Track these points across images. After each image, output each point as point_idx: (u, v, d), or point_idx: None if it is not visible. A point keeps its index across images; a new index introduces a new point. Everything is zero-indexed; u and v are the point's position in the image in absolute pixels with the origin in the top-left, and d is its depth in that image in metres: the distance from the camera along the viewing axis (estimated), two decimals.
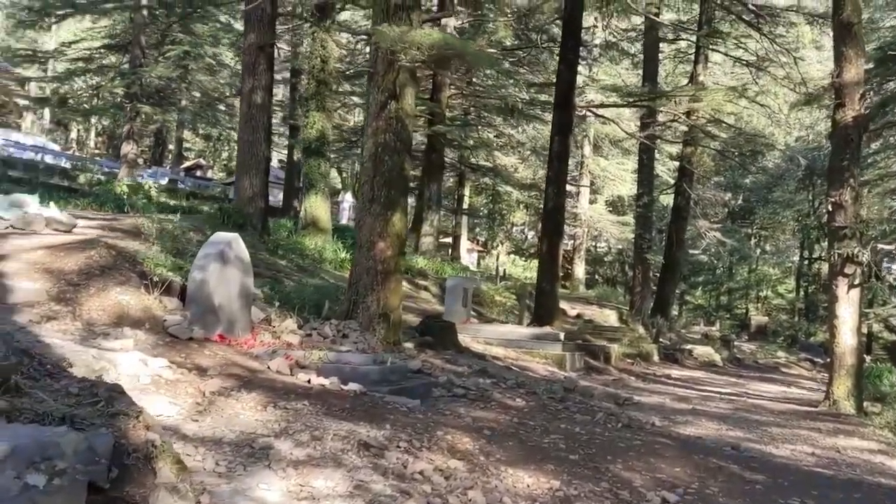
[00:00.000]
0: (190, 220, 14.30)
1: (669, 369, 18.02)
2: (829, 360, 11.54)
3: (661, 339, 23.11)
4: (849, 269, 10.97)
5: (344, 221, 44.26)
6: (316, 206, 19.95)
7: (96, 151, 59.28)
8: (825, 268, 51.65)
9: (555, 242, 18.53)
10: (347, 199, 51.67)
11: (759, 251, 52.49)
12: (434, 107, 25.79)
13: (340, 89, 25.08)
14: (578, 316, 25.94)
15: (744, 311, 49.81)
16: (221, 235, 7.29)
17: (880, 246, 10.88)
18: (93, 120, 55.73)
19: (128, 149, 32.75)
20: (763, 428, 9.19)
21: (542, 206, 20.92)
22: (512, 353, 12.99)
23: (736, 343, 29.65)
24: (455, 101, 34.42)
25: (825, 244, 43.38)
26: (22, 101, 45.73)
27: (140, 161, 60.04)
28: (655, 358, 19.65)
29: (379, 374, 6.65)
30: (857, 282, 10.93)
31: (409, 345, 10.52)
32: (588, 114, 25.39)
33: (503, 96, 28.28)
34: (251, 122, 16.18)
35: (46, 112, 56.14)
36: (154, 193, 25.07)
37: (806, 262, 48.61)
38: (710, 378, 16.67)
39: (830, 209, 11.08)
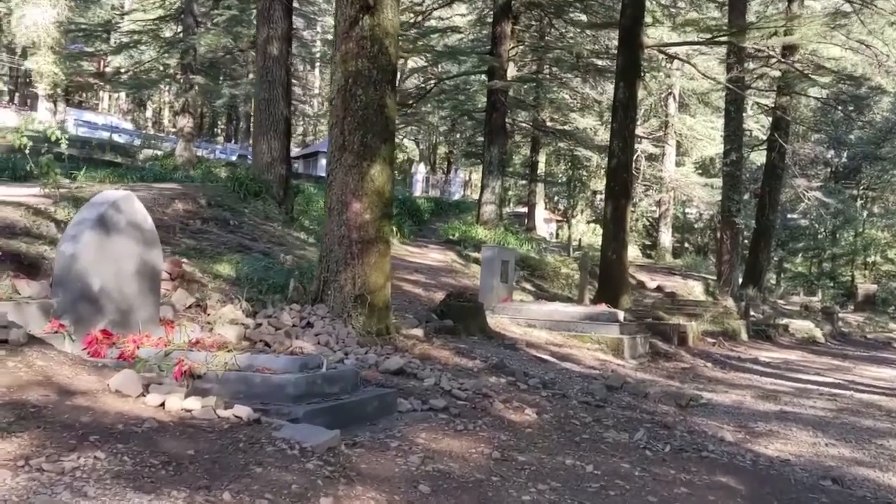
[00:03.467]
0: (191, 187, 12.60)
1: (759, 350, 15.39)
2: None
3: (751, 314, 20.30)
4: None
5: (417, 194, 42.69)
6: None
7: (172, 130, 59.40)
8: None
9: (621, 205, 16.07)
10: (421, 171, 50.00)
11: (865, 213, 47.97)
12: (493, 61, 23.46)
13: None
14: (659, 288, 23.36)
15: (849, 278, 45.63)
16: (106, 195, 5.37)
17: None
18: (166, 97, 55.74)
19: (183, 123, 31.72)
20: (879, 441, 6.73)
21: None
22: (557, 337, 10.77)
23: (840, 315, 26.35)
24: (524, 58, 32.01)
25: None
26: (93, 81, 45.78)
27: (221, 137, 59.98)
28: (743, 336, 17.01)
29: (304, 385, 4.61)
30: None
31: (416, 331, 8.46)
32: (658, 55, 22.46)
33: (570, 47, 25.70)
34: (267, 78, 14.35)
35: (122, 92, 56.39)
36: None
37: None
38: (807, 361, 13.98)
39: None
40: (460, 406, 5.68)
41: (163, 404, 3.91)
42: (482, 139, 27.70)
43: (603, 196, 50.15)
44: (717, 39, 16.78)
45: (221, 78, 38.18)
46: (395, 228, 18.84)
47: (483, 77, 26.51)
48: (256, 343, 6.13)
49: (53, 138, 7.33)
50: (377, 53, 6.88)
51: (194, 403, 3.98)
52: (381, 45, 6.88)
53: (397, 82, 35.93)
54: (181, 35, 31.30)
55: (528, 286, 17.40)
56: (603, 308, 12.13)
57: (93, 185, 10.23)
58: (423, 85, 29.93)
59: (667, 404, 7.52)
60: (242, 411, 4.02)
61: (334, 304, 6.92)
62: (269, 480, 3.19)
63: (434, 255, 17.33)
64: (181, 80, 31.45)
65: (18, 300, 4.89)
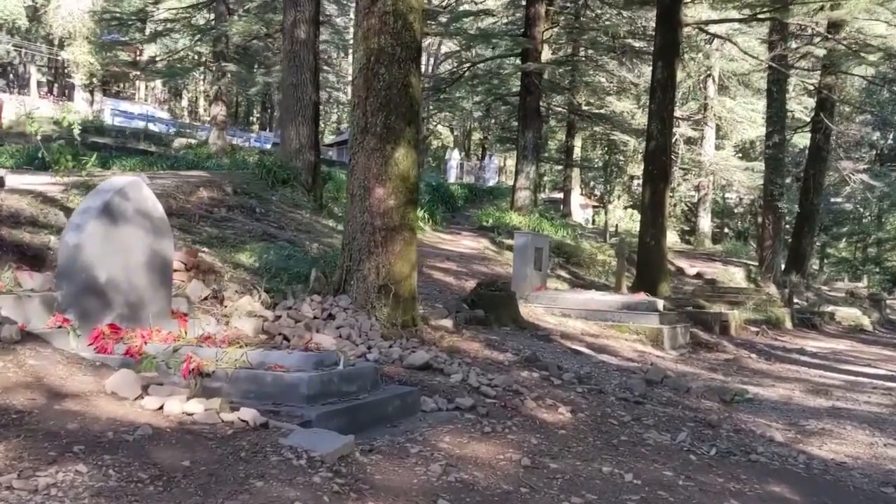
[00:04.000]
0: (217, 175, 12.37)
1: (804, 339, 14.78)
2: None
3: (795, 301, 19.62)
4: None
5: (452, 180, 42.35)
6: None
7: (207, 119, 59.72)
8: None
9: (660, 189, 15.53)
10: (455, 157, 49.60)
11: None
12: (526, 43, 22.93)
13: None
14: (698, 275, 22.77)
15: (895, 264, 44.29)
16: (114, 181, 5.08)
17: None
18: (201, 86, 55.92)
19: (216, 111, 31.74)
20: None
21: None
22: (593, 327, 10.35)
23: (888, 301, 25.46)
24: (559, 41, 31.36)
25: None
26: (128, 70, 46.06)
27: (256, 126, 60.08)
28: (788, 324, 16.38)
29: (318, 384, 4.28)
30: None
31: (445, 322, 8.11)
32: (698, 32, 21.67)
33: (605, 28, 25.03)
34: (295, 62, 14.05)
35: (158, 81, 56.86)
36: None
37: None
38: (856, 351, 13.36)
39: None
40: (489, 405, 5.32)
41: (161, 407, 3.61)
42: (516, 124, 27.17)
43: (640, 181, 49.26)
44: (759, 16, 16.08)
45: (255, 66, 38.05)
46: (426, 215, 18.54)
47: (517, 60, 26.01)
48: (275, 336, 5.83)
49: (66, 125, 7.09)
50: (401, 29, 6.50)
51: (196, 406, 3.66)
52: (404, 21, 6.50)
53: (430, 67, 35.47)
54: (213, 23, 31.25)
55: (563, 273, 16.96)
56: (641, 297, 11.66)
57: (104, 173, 10.01)
58: (455, 69, 29.49)
59: (710, 400, 7.08)
60: (249, 414, 3.70)
61: (357, 294, 6.59)
62: (270, 497, 2.86)
63: (467, 243, 16.97)
64: (214, 69, 31.42)
65: (20, 293, 4.62)
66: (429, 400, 5.08)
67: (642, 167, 17.51)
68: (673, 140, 38.65)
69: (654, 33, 16.14)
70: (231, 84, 35.76)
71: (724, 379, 8.52)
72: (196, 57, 33.04)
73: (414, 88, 6.64)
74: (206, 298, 6.08)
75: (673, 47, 15.33)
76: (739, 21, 18.73)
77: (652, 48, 17.14)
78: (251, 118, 64.38)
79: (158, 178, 11.24)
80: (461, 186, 34.27)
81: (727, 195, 47.92)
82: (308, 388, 4.21)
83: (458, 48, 34.48)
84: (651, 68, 16.09)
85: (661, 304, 11.14)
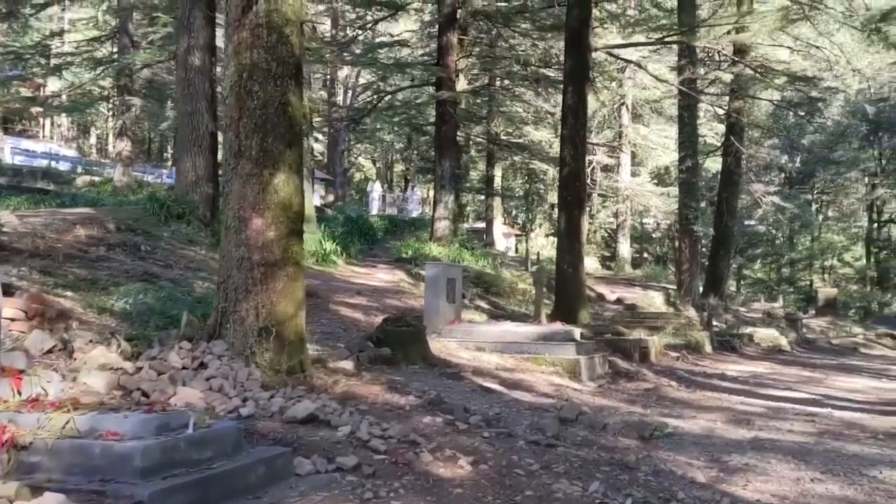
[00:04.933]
0: (102, 211, 11.44)
1: (725, 362, 14.60)
2: None
3: (714, 324, 19.60)
4: None
5: (374, 212, 41.77)
6: None
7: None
8: None
9: (576, 215, 15.24)
10: (376, 189, 49.00)
11: (821, 217, 48.08)
12: (439, 71, 22.62)
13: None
14: (619, 301, 22.63)
15: (808, 283, 45.56)
16: None
17: None
18: (110, 122, 53.93)
19: (121, 146, 30.31)
20: (870, 472, 5.85)
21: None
22: (509, 361, 9.80)
23: (804, 320, 25.85)
24: (475, 71, 31.32)
25: None
26: (28, 106, 44.01)
27: (170, 162, 58.21)
28: (707, 348, 16.21)
29: (157, 454, 3.55)
30: None
31: (344, 364, 7.44)
32: (611, 59, 21.78)
33: (517, 55, 24.99)
34: (189, 90, 13.28)
35: (65, 118, 54.78)
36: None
37: (875, 225, 44.09)
38: (776, 373, 13.20)
39: None
40: (377, 462, 4.65)
41: None
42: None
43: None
44: (667, 39, 16.12)
45: (167, 101, 36.81)
46: (339, 248, 17.83)
47: (432, 90, 25.71)
48: (132, 392, 5.06)
49: None
50: (276, 43, 5.88)
51: None
52: (280, 34, 5.88)
53: (349, 98, 34.85)
54: (116, 55, 30.03)
55: (482, 304, 16.46)
56: (558, 326, 11.20)
57: None
58: (371, 100, 29.04)
59: (628, 437, 6.58)
60: (53, 501, 2.95)
61: (234, 339, 5.87)
62: None
63: (382, 276, 16.31)
64: (118, 102, 30.16)
65: None
66: (305, 461, 4.39)
67: (557, 193, 17.22)
68: (590, 167, 39.01)
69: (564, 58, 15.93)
70: (140, 119, 34.42)
71: (643, 412, 8.06)
72: (99, 91, 31.70)
73: (294, 107, 6.02)
74: (50, 351, 5.27)
75: (582, 72, 15.15)
76: (647, 45, 18.80)
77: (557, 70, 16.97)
78: (164, 154, 62.46)
79: (34, 216, 10.28)
80: (381, 218, 33.73)
81: (645, 220, 48.62)
82: (143, 459, 3.47)
83: (374, 79, 34.15)
84: (562, 92, 15.87)
85: (578, 333, 10.69)
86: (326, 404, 5.58)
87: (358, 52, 25.47)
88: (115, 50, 30.79)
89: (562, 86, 16.53)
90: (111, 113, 44.97)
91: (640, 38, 15.87)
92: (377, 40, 32.63)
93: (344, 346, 8.43)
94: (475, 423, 6.14)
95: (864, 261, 43.71)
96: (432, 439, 5.37)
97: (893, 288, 42.27)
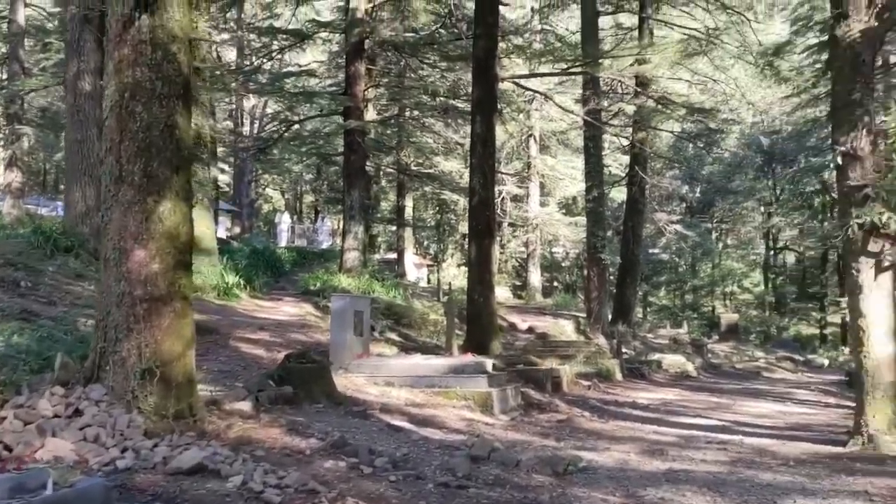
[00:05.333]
0: None
1: (635, 390, 14.63)
2: (855, 376, 8.15)
3: (623, 351, 19.75)
4: (874, 246, 7.65)
5: (283, 244, 40.85)
6: (195, 221, 16.12)
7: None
8: (791, 258, 49.33)
9: (486, 245, 15.10)
10: (285, 221, 48.04)
11: (721, 245, 49.87)
12: (347, 101, 22.32)
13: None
14: (530, 329, 22.59)
15: (711, 309, 47.00)
16: None
17: None
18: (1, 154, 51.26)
19: (11, 177, 28.66)
20: (785, 501, 5.77)
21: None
22: (419, 395, 9.45)
23: (709, 346, 26.47)
24: (384, 101, 31.22)
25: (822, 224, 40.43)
26: None
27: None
28: (618, 375, 16.26)
29: None
30: (887, 262, 7.61)
31: (241, 405, 6.94)
32: (519, 91, 21.98)
33: (426, 86, 24.97)
34: (79, 116, 12.59)
35: None
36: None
37: (772, 252, 45.98)
38: (686, 400, 13.28)
39: (840, 162, 7.76)
40: None
41: None
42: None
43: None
44: (571, 70, 16.32)
45: (62, 131, 35.13)
46: (243, 281, 17.15)
47: (340, 119, 25.35)
48: None
49: None
50: (161, 61, 5.44)
51: None
52: (165, 51, 5.45)
53: (256, 128, 34.06)
54: (6, 83, 28.57)
55: (393, 336, 16.06)
56: (469, 358, 10.93)
57: None
58: (277, 129, 28.46)
59: (542, 473, 6.32)
60: None
61: (114, 382, 5.32)
62: None
63: (288, 309, 15.72)
64: (7, 132, 28.61)
65: None
66: None
67: (467, 223, 17.08)
68: (500, 197, 39.32)
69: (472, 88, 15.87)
70: (34, 149, 32.77)
71: (556, 445, 7.84)
72: None
73: (182, 130, 5.57)
74: None
75: (490, 102, 15.12)
76: (553, 76, 19.03)
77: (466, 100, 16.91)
78: (60, 185, 59.78)
79: None
80: (289, 250, 32.94)
81: (554, 250, 49.32)
82: None
83: (280, 109, 33.58)
84: (470, 121, 15.80)
85: (490, 364, 10.44)
86: (217, 452, 5.11)
87: (264, 81, 24.93)
88: (5, 77, 29.34)
89: (470, 116, 16.52)
90: (0, 143, 42.76)
91: (547, 68, 15.98)
92: (285, 70, 32.15)
93: (242, 385, 7.92)
94: (381, 465, 5.76)
95: (763, 286, 45.40)
96: (333, 487, 4.96)
97: (790, 312, 44.01)
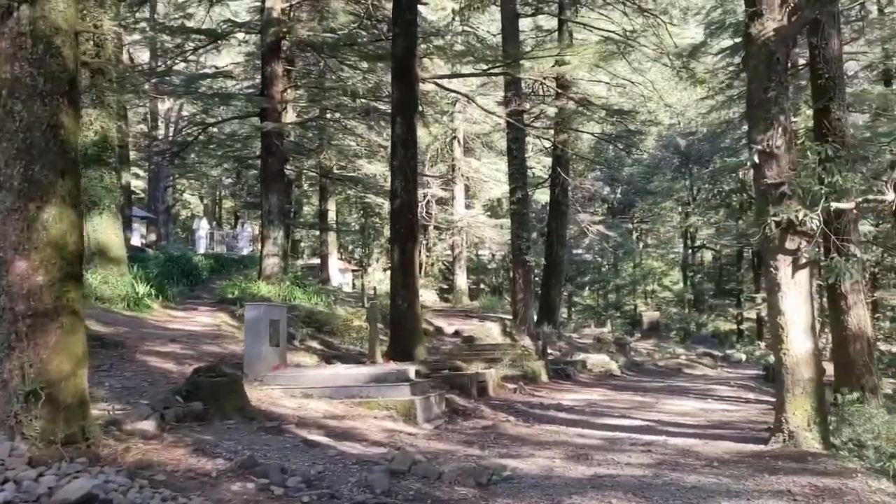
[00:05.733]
0: None
1: (561, 391, 14.59)
2: (775, 373, 8.19)
3: (549, 351, 19.78)
4: (791, 243, 7.69)
5: (201, 251, 39.72)
6: (102, 229, 15.39)
7: None
8: (708, 256, 50.69)
9: (409, 248, 14.79)
10: (203, 227, 46.73)
11: (641, 245, 50.89)
12: (263, 101, 21.76)
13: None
14: (457, 333, 22.42)
15: (633, 307, 47.87)
16: None
17: (835, 205, 7.63)
18: None
19: None
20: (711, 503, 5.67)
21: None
22: (339, 407, 9.10)
23: (632, 344, 26.82)
24: (303, 103, 30.59)
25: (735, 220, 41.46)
26: None
27: None
28: (544, 377, 16.23)
29: None
30: (804, 260, 7.66)
31: (144, 425, 6.50)
32: (443, 93, 21.81)
33: (346, 87, 24.55)
34: None
35: None
36: None
37: (690, 251, 47.12)
38: (610, 400, 13.28)
39: (757, 160, 7.77)
40: None
41: None
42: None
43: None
44: (493, 71, 16.20)
45: None
46: (154, 291, 16.45)
47: (258, 121, 24.71)
48: None
49: None
50: (43, 55, 4.97)
51: None
52: (48, 45, 4.99)
53: (171, 132, 32.96)
54: None
55: (315, 344, 15.61)
56: (391, 366, 10.63)
57: None
58: (191, 132, 27.56)
59: (465, 485, 6.08)
60: None
61: None
62: None
63: (202, 319, 15.12)
64: None
65: None
66: None
67: (389, 226, 16.77)
68: (424, 200, 39.14)
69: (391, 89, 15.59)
70: None
71: (481, 453, 7.62)
72: None
73: (67, 130, 5.11)
74: None
75: (411, 102, 14.85)
76: (474, 76, 18.91)
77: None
78: None
79: None
80: (207, 257, 31.97)
81: (480, 252, 49.43)
82: None
83: (197, 111, 32.60)
84: (391, 123, 15.50)
85: (413, 372, 10.17)
86: (111, 479, 4.68)
87: (178, 82, 24.08)
88: None
89: (391, 118, 16.17)
90: None
91: (469, 70, 15.83)
92: (201, 72, 31.19)
93: (147, 402, 7.43)
94: (294, 485, 5.41)
95: (682, 284, 46.45)
96: None
97: (708, 309, 45.16)
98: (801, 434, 7.59)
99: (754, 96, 7.93)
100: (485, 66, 15.54)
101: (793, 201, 7.60)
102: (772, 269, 7.80)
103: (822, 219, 7.46)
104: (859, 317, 11.24)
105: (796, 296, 7.68)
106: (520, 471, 6.81)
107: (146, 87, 21.12)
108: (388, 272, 38.90)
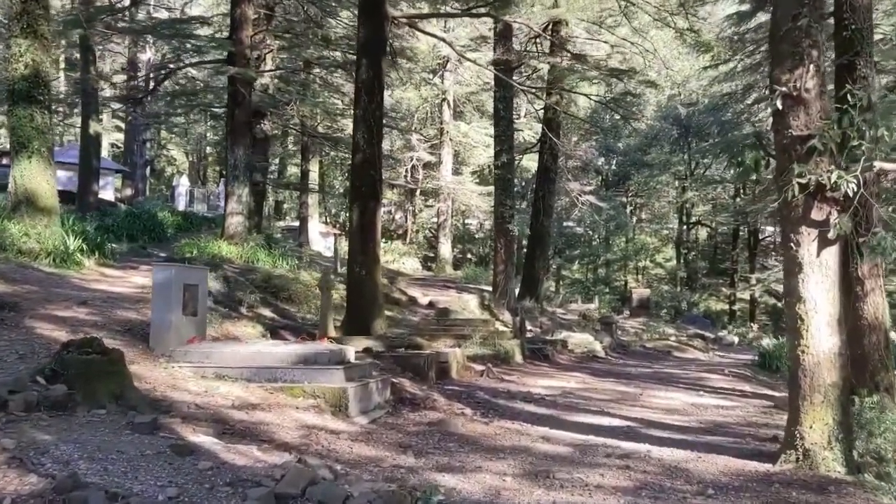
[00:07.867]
0: None
1: (534, 376, 13.03)
2: (790, 375, 6.55)
3: (528, 328, 18.25)
4: (818, 213, 6.04)
5: (181, 208, 38.15)
6: (31, 175, 13.68)
7: None
8: (703, 234, 49.09)
9: (370, 209, 13.18)
10: (183, 184, 44.95)
11: (635, 219, 49.28)
12: (229, 45, 19.97)
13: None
14: (431, 304, 20.86)
15: (623, 283, 46.38)
16: None
17: (879, 165, 5.96)
18: None
19: None
20: None
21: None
22: (256, 392, 7.49)
23: (619, 322, 25.29)
24: (280, 55, 28.65)
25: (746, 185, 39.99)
26: None
27: None
28: (518, 358, 14.69)
29: None
30: (833, 234, 6.00)
31: None
32: (426, 44, 19.95)
33: (328, 37, 22.75)
34: None
35: None
36: None
37: (685, 227, 45.53)
38: (589, 389, 11.70)
39: (780, 106, 6.08)
40: None
41: None
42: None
43: (392, 208, 47.32)
44: (476, 12, 14.39)
45: None
46: (90, 247, 14.80)
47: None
48: None
49: None
50: None
51: None
52: None
53: (147, 81, 30.80)
54: None
55: (266, 312, 14.01)
56: (324, 346, 8.98)
57: None
58: (154, 77, 25.65)
59: None
60: None
61: None
62: None
63: (137, 280, 13.44)
64: None
65: None
66: None
67: (349, 183, 15.09)
68: (410, 164, 37.37)
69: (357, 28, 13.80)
70: None
71: (413, 464, 6.02)
72: None
73: None
74: None
75: (379, 43, 13.13)
76: (453, 16, 17.08)
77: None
78: None
79: None
80: (175, 213, 30.28)
81: (468, 221, 47.80)
82: None
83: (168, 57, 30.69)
84: (355, 66, 13.74)
85: (351, 353, 8.55)
86: None
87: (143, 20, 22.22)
88: None
89: (355, 60, 14.37)
90: None
91: (447, 7, 14.04)
92: (173, 17, 29.25)
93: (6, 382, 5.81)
94: None
95: (675, 262, 44.94)
96: None
97: (701, 288, 43.72)
98: (820, 454, 6.01)
99: (780, 25, 6.22)
100: (465, 6, 13.73)
101: (823, 159, 5.93)
102: (792, 244, 6.16)
103: (861, 182, 5.79)
104: (877, 305, 9.68)
105: (822, 279, 6.05)
106: (457, 493, 5.23)
107: (98, 23, 19.15)
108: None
